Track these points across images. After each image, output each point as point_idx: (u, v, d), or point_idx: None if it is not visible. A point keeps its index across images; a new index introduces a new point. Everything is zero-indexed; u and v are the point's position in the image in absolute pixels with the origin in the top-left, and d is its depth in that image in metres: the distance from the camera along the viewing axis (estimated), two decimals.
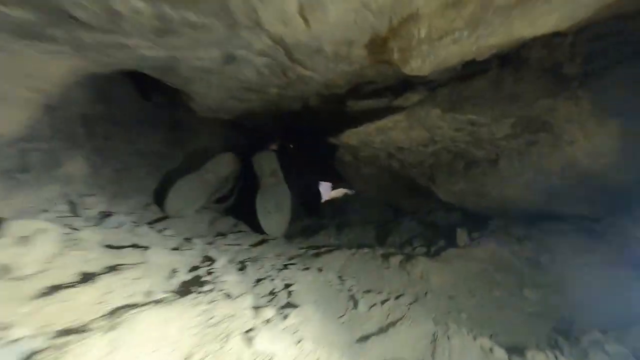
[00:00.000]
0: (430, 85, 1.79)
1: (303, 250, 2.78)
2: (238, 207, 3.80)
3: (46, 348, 1.00)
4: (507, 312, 1.79)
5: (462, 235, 2.13)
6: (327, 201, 4.72)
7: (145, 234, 2.54)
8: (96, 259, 1.64)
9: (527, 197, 1.92)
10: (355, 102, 1.97)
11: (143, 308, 1.22)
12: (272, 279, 2.00)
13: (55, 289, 1.29)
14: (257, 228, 3.46)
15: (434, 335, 1.51)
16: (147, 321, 1.17)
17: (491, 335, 1.66)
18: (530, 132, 1.71)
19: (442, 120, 1.76)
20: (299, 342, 1.36)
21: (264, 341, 1.23)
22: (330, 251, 2.58)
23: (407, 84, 1.81)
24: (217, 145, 4.32)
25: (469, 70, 1.69)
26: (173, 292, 1.55)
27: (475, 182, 1.98)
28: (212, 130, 4.51)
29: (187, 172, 3.14)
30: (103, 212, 2.70)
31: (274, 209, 2.98)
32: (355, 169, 2.71)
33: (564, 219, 2.08)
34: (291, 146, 4.68)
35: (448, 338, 1.45)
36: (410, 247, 2.48)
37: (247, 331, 1.26)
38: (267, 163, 2.92)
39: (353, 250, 2.51)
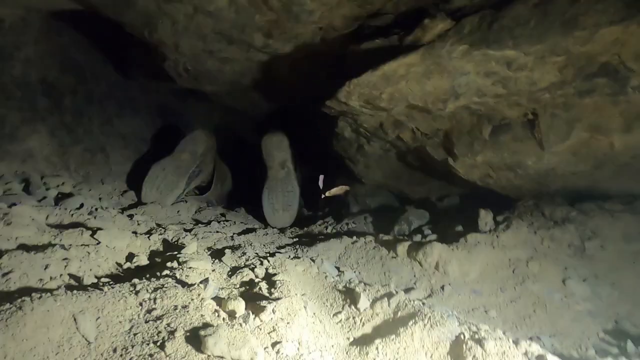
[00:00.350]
0: (455, 14, 1.40)
1: (296, 240, 2.41)
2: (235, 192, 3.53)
3: None
4: (548, 310, 1.41)
5: (486, 218, 1.75)
6: (324, 195, 4.38)
7: (109, 218, 2.17)
8: (19, 237, 1.28)
9: (574, 168, 1.52)
10: (357, 45, 1.59)
11: (50, 296, 0.86)
12: (253, 268, 1.63)
13: None
14: (245, 217, 3.12)
15: (459, 338, 1.13)
16: (48, 313, 0.80)
17: (531, 339, 1.28)
18: (585, 77, 1.32)
19: (469, 61, 1.37)
20: (275, 344, 0.99)
21: (222, 344, 0.85)
22: (326, 240, 2.20)
23: (424, 12, 1.44)
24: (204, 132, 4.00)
25: None
26: (111, 278, 1.18)
27: (505, 150, 1.58)
28: (200, 116, 4.18)
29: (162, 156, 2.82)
30: (65, 193, 2.35)
31: (282, 208, 2.67)
32: (357, 147, 2.34)
33: (611, 197, 1.70)
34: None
35: (480, 342, 1.07)
36: (421, 236, 2.10)
37: (199, 329, 0.89)
38: (277, 150, 2.58)
39: (353, 239, 2.13)
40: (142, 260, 1.55)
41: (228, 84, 2.59)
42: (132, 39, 2.40)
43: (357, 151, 2.40)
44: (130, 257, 1.55)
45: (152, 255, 1.67)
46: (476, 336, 1.13)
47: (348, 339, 1.30)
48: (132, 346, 0.82)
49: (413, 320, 1.27)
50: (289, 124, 4.29)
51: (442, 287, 1.57)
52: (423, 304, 1.36)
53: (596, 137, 1.45)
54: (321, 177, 4.09)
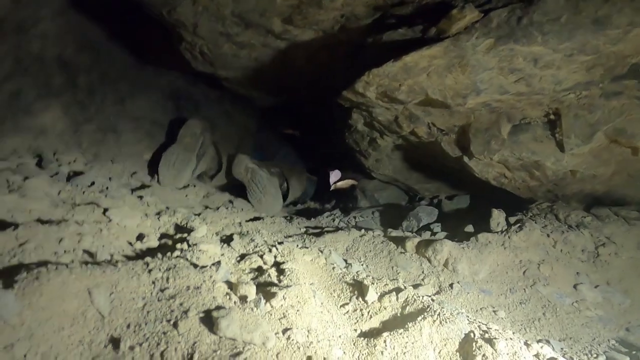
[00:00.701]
0: (482, 6, 1.36)
1: (303, 230, 2.41)
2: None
3: None
4: (558, 314, 1.39)
5: (498, 218, 1.73)
6: (331, 187, 4.38)
7: (120, 197, 2.18)
8: (34, 210, 1.28)
9: (594, 172, 1.48)
10: (378, 35, 1.54)
11: (66, 268, 0.86)
12: (262, 255, 1.62)
13: None
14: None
15: (469, 336, 1.12)
16: (63, 284, 0.80)
17: (540, 342, 1.27)
18: (613, 78, 1.28)
19: (494, 56, 1.33)
20: (286, 331, 0.98)
21: (235, 326, 0.85)
22: (334, 231, 2.19)
23: (450, 3, 1.39)
24: (220, 121, 4.03)
25: None
26: (124, 256, 1.19)
27: (523, 150, 1.55)
28: (213, 104, 4.18)
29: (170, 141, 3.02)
30: (76, 171, 2.36)
31: (264, 196, 2.97)
32: (369, 141, 2.31)
33: (627, 203, 1.67)
34: (297, 132, 4.51)
35: (490, 342, 1.06)
36: (430, 233, 2.08)
37: (212, 310, 0.89)
38: (241, 169, 3.02)
39: (361, 232, 2.12)
40: (152, 240, 1.55)
41: (242, 70, 2.57)
42: (149, 19, 2.38)
43: (369, 144, 2.37)
44: (140, 236, 1.55)
45: (162, 236, 1.67)
46: (486, 335, 1.12)
47: (355, 330, 1.30)
48: (145, 323, 0.82)
49: (422, 316, 1.26)
50: (298, 114, 4.28)
51: (451, 285, 1.56)
52: (432, 300, 1.35)
53: (619, 141, 1.41)
54: (334, 171, 4.09)
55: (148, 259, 1.07)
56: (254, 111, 4.20)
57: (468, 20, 1.37)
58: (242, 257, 1.65)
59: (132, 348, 0.75)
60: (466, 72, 1.43)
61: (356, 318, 1.36)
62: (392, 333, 1.20)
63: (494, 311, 1.43)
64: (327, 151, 4.04)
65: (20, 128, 2.25)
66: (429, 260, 1.70)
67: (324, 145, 4.10)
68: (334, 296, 1.49)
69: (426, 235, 2.05)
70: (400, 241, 1.94)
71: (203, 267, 1.09)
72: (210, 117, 3.74)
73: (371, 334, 1.24)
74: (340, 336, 1.21)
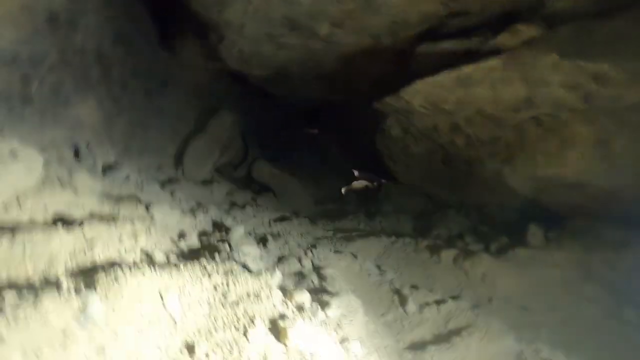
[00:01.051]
0: (547, 21, 1.36)
1: (330, 233, 2.41)
2: None
3: None
4: (602, 336, 1.37)
5: (536, 234, 1.71)
6: (349, 189, 4.38)
7: (155, 192, 2.22)
8: (86, 205, 1.30)
9: None
10: (432, 44, 1.52)
11: (135, 269, 0.87)
12: (299, 259, 1.63)
13: (25, 227, 0.95)
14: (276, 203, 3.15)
15: (520, 356, 1.10)
16: (139, 286, 0.81)
17: None
18: None
19: (555, 71, 1.31)
20: (343, 341, 0.98)
21: (300, 336, 0.85)
22: (364, 236, 2.19)
23: (514, 16, 1.37)
24: (239, 116, 4.07)
25: (606, 5, 1.22)
26: (178, 255, 1.20)
27: (570, 167, 1.52)
28: (236, 102, 4.21)
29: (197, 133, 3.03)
30: (110, 164, 2.39)
31: (289, 196, 3.10)
32: (402, 147, 2.30)
33: None
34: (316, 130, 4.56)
35: None
36: (462, 242, 2.06)
37: (276, 319, 0.89)
38: (263, 174, 3.16)
39: (392, 239, 2.11)
40: (193, 238, 1.56)
41: (275, 70, 2.57)
42: (181, 17, 2.39)
43: (402, 150, 2.36)
44: (182, 234, 1.56)
45: (201, 234, 1.68)
46: (539, 356, 1.11)
47: (398, 341, 1.29)
48: (216, 330, 0.83)
49: (467, 331, 1.25)
50: (321, 114, 4.28)
51: (490, 300, 1.55)
52: (477, 315, 1.34)
53: None
54: (355, 172, 4.09)
55: (204, 262, 1.08)
56: (279, 109, 4.21)
57: (531, 35, 1.34)
58: (280, 259, 1.66)
59: (207, 355, 0.75)
60: (523, 86, 1.41)
61: (397, 329, 1.35)
62: (438, 347, 1.20)
63: (537, 329, 1.41)
64: (348, 152, 4.03)
65: (59, 119, 2.27)
66: (466, 274, 1.69)
67: (346, 146, 4.09)
68: (373, 304, 1.48)
69: (459, 244, 2.04)
70: (434, 250, 1.93)
71: (258, 272, 1.10)
72: (234, 112, 3.77)
73: (415, 347, 1.24)
74: (386, 347, 1.21)
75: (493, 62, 1.40)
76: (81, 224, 1.00)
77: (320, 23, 1.63)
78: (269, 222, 2.34)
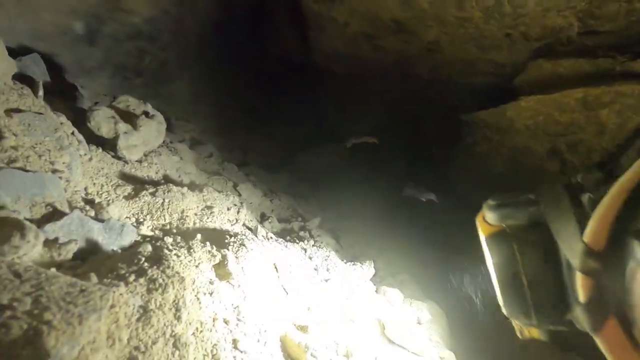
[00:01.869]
0: None
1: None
2: None
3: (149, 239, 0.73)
4: None
5: None
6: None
7: (234, 172, 2.33)
8: (190, 174, 1.40)
9: None
10: (553, 61, 1.40)
11: (256, 239, 0.91)
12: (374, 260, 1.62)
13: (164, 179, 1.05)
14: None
15: None
16: (262, 257, 0.85)
17: None
18: None
19: None
20: (436, 344, 0.96)
21: (400, 333, 0.84)
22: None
23: None
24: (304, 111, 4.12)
25: None
26: (274, 234, 1.24)
27: None
28: (304, 95, 4.28)
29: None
30: (195, 139, 2.57)
31: None
32: (485, 165, 2.17)
33: None
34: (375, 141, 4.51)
35: None
36: None
37: (376, 313, 0.89)
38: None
39: None
40: (275, 222, 1.62)
41: (357, 69, 2.58)
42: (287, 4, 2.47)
43: (482, 168, 2.25)
44: (264, 215, 1.62)
45: (281, 220, 1.74)
46: None
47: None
48: (326, 312, 0.84)
49: None
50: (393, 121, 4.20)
51: None
52: None
53: None
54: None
55: (302, 243, 1.11)
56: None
57: None
58: (355, 258, 1.67)
59: (316, 334, 0.77)
60: None
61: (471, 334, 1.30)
62: None
63: None
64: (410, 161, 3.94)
65: (160, 93, 2.47)
66: None
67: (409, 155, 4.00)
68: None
69: None
70: None
71: (353, 262, 1.11)
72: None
73: None
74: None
75: (626, 87, 1.26)
76: (201, 189, 1.08)
77: (429, 28, 1.59)
78: (336, 218, 2.36)
